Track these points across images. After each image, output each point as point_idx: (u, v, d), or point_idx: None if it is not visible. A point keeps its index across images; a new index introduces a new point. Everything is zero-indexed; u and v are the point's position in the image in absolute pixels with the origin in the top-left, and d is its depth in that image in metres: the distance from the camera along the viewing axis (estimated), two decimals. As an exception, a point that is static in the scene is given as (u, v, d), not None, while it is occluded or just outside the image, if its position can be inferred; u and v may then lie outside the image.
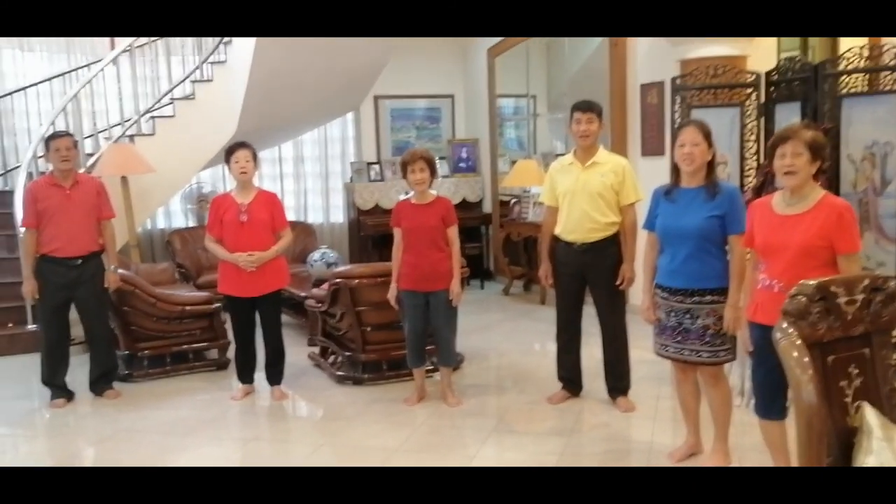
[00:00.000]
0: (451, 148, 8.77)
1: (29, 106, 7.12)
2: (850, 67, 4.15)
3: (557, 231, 4.25)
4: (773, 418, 3.02)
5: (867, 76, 4.15)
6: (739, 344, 3.18)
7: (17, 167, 6.55)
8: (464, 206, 8.27)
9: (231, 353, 5.13)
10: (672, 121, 5.02)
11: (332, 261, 6.00)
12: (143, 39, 6.52)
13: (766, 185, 4.02)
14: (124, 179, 6.24)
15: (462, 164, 8.72)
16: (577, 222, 4.14)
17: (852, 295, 2.08)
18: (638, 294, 3.73)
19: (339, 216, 8.82)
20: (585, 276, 4.22)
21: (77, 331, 4.86)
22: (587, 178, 4.12)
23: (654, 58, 5.95)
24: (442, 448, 3.88)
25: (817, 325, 2.02)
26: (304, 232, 7.78)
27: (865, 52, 4.10)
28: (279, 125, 7.31)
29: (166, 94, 6.72)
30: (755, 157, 4.67)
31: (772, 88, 4.65)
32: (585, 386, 4.48)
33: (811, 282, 2.04)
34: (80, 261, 4.59)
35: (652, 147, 6.11)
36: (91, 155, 6.45)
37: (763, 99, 4.68)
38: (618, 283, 4.14)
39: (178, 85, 6.75)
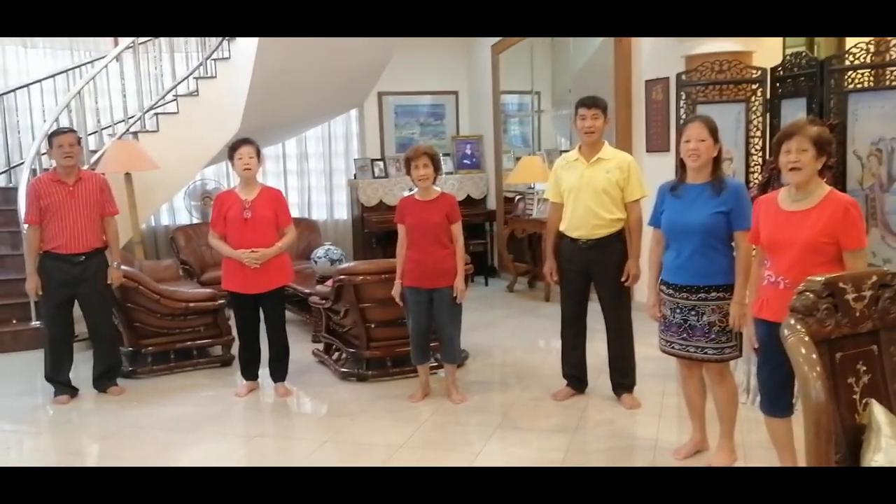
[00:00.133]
0: (455, 144, 8.76)
1: (32, 102, 7.11)
2: (856, 63, 4.13)
3: (562, 227, 4.24)
4: (779, 415, 3.01)
5: (873, 72, 4.12)
6: (745, 341, 3.16)
7: (21, 164, 6.55)
8: (468, 202, 8.26)
9: (235, 349, 5.12)
10: (677, 117, 4.99)
11: (335, 257, 5.99)
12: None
13: (771, 181, 4.01)
14: (128, 176, 6.24)
15: (466, 161, 8.70)
16: (582, 219, 4.12)
17: (860, 291, 2.06)
18: (643, 291, 3.72)
19: (342, 213, 8.81)
20: (590, 273, 4.21)
21: (81, 327, 4.87)
22: (592, 175, 4.11)
23: (658, 54, 5.93)
24: (446, 444, 3.88)
25: (825, 321, 2.00)
26: (307, 228, 7.77)
27: (871, 48, 4.08)
28: (283, 122, 7.30)
29: (170, 90, 6.73)
30: (760, 154, 4.65)
31: (777, 84, 4.62)
32: (590, 383, 4.47)
33: (819, 278, 2.02)
34: (83, 257, 4.59)
35: (657, 143, 6.10)
36: (95, 152, 6.46)
37: (769, 95, 4.66)
38: (623, 279, 4.13)
39: (181, 82, 6.76)
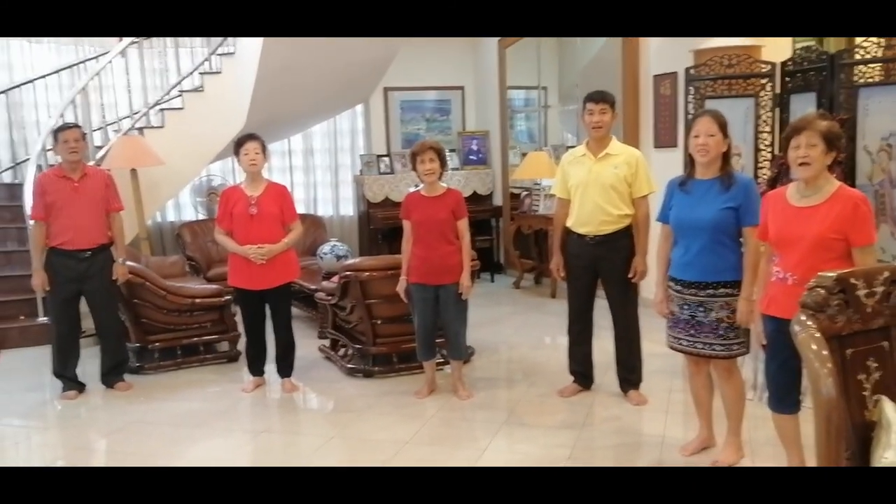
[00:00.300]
0: (461, 140, 8.73)
1: (37, 98, 7.13)
2: (866, 57, 4.09)
3: (569, 223, 4.22)
4: (787, 412, 3.00)
5: (884, 66, 4.09)
6: (753, 337, 3.15)
7: (27, 160, 6.56)
8: (474, 198, 8.23)
9: (241, 345, 5.13)
10: (685, 112, 4.97)
11: (341, 253, 5.99)
12: (152, 32, 6.52)
13: (780, 176, 3.98)
14: (134, 172, 6.25)
15: (472, 157, 8.68)
16: (590, 215, 4.10)
17: (872, 287, 2.04)
18: (650, 287, 3.70)
19: (348, 209, 8.80)
20: (597, 269, 4.19)
21: (88, 323, 4.87)
22: (600, 170, 4.08)
23: (667, 48, 5.89)
24: (452, 441, 3.87)
25: (836, 317, 1.99)
26: (313, 225, 7.76)
27: (882, 42, 4.04)
28: (288, 117, 7.30)
29: (175, 86, 6.72)
30: (770, 149, 4.62)
31: (787, 78, 4.60)
32: (597, 379, 4.45)
33: (830, 274, 2.00)
34: (88, 253, 4.59)
35: (665, 139, 6.06)
36: (100, 147, 6.46)
37: (778, 89, 4.63)
38: (630, 276, 4.11)
39: (186, 77, 6.75)
